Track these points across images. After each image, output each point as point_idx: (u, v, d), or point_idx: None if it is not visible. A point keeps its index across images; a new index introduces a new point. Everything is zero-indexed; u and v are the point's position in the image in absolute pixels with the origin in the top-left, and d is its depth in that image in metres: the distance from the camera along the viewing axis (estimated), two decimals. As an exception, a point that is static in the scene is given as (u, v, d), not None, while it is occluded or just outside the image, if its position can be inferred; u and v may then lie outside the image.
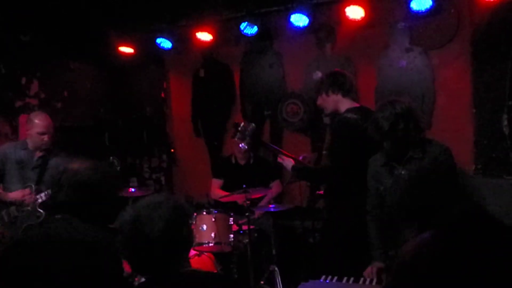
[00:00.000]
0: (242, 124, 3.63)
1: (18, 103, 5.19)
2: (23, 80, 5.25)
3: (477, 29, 4.43)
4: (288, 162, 3.48)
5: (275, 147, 3.92)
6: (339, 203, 3.36)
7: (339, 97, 3.40)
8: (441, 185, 2.74)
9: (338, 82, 3.39)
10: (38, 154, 4.00)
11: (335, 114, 3.46)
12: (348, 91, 3.41)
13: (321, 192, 3.87)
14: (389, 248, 2.93)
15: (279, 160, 3.55)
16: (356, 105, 3.43)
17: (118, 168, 3.91)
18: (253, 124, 3.65)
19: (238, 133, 3.58)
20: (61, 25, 5.20)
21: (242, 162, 5.03)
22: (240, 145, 3.69)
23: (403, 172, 2.86)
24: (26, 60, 5.20)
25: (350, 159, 3.18)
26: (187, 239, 1.79)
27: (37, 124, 3.95)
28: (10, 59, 5.07)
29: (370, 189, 3.06)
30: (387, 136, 2.82)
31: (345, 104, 3.39)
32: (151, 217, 1.67)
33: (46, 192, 3.85)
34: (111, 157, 3.95)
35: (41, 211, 3.87)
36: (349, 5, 4.46)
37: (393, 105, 2.82)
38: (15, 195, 3.89)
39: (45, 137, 3.95)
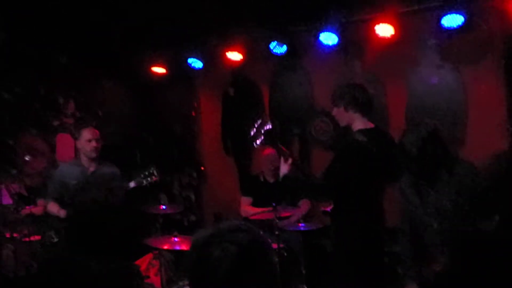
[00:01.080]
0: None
1: (56, 123, 5.38)
2: (61, 100, 5.44)
3: (510, 44, 4.35)
4: (284, 168, 3.38)
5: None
6: (346, 221, 3.26)
7: (357, 115, 3.29)
8: (469, 207, 2.70)
9: (359, 101, 3.29)
10: (91, 169, 4.13)
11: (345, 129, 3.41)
12: (367, 112, 3.32)
13: (327, 209, 3.81)
14: (422, 266, 2.87)
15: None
16: (371, 125, 3.31)
17: (157, 178, 3.99)
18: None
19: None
20: (96, 46, 5.39)
21: (270, 180, 5.03)
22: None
23: (431, 192, 2.83)
24: (63, 81, 5.40)
25: (350, 181, 3.11)
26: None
27: (84, 133, 4.18)
28: (49, 81, 5.28)
29: (402, 207, 3.02)
30: (415, 160, 2.79)
31: (359, 124, 3.29)
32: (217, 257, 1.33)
33: None
34: (152, 167, 4.04)
35: None
36: (378, 23, 4.46)
37: (419, 129, 2.80)
38: (65, 211, 3.99)
39: (93, 143, 4.12)
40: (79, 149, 4.25)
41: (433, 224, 2.82)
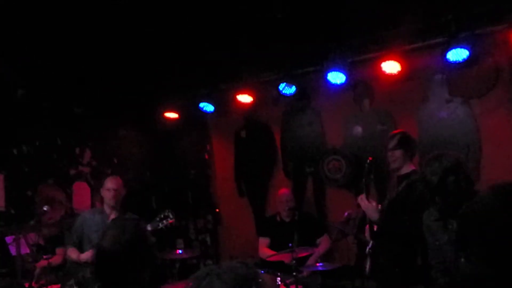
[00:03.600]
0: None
1: (72, 172, 5.48)
2: (77, 150, 5.56)
3: (517, 76, 4.38)
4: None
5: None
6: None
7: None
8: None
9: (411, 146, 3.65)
10: (112, 216, 4.19)
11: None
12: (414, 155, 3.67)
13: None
14: None
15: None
16: (414, 168, 3.60)
17: (173, 220, 4.01)
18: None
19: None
20: (109, 95, 5.55)
21: (287, 220, 5.01)
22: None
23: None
24: (79, 131, 5.54)
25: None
26: None
27: (106, 182, 4.29)
28: (65, 131, 5.42)
29: (429, 243, 2.96)
30: (437, 191, 2.74)
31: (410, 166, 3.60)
32: None
33: None
34: (167, 210, 4.06)
35: None
36: (384, 60, 4.52)
37: (440, 159, 2.76)
38: (85, 255, 4.04)
39: (112, 193, 4.19)
40: (103, 198, 4.34)
41: (461, 259, 2.74)
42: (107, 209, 4.25)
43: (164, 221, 3.98)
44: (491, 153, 4.52)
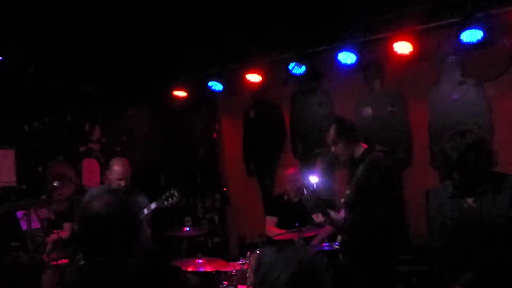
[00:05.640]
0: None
1: (82, 148, 5.52)
2: (87, 127, 5.60)
3: (533, 58, 4.29)
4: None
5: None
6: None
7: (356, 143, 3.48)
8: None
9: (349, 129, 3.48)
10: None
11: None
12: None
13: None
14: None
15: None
16: (365, 145, 3.51)
17: (178, 199, 4.02)
18: None
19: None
20: (119, 74, 5.55)
21: (295, 199, 5.03)
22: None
23: (474, 206, 2.70)
24: (89, 109, 5.57)
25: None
26: None
27: (115, 170, 4.22)
28: (75, 109, 5.45)
29: (434, 224, 2.92)
30: (456, 167, 2.69)
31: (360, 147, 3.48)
32: None
33: None
34: (172, 189, 4.07)
35: None
36: (396, 40, 4.46)
37: (463, 135, 2.69)
38: None
39: (122, 182, 4.20)
40: (109, 180, 4.34)
41: (470, 241, 2.70)
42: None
43: (170, 199, 3.99)
44: (503, 137, 4.46)
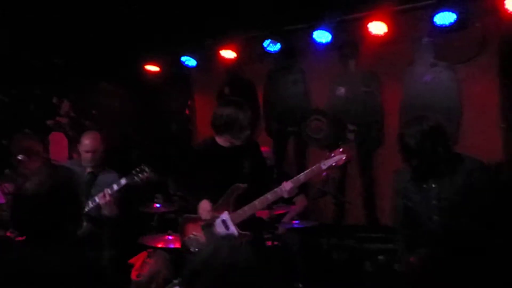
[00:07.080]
0: None
1: (50, 122, 5.36)
2: (55, 100, 5.43)
3: (505, 43, 4.36)
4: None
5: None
6: None
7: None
8: (476, 203, 2.66)
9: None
10: (88, 170, 4.12)
11: None
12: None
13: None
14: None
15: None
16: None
17: (149, 174, 3.95)
18: None
19: None
20: (90, 47, 5.38)
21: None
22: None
23: (433, 186, 2.78)
24: (58, 82, 5.39)
25: None
26: None
27: (83, 143, 4.12)
28: (44, 81, 5.27)
29: (397, 207, 2.99)
30: (413, 154, 2.75)
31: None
32: None
33: (89, 206, 3.91)
34: (143, 164, 4.00)
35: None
36: (371, 21, 4.46)
37: (420, 122, 2.74)
38: None
39: (89, 155, 4.08)
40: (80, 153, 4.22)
41: (431, 220, 2.78)
42: (83, 163, 4.17)
43: (140, 175, 3.91)
44: (471, 119, 4.56)
